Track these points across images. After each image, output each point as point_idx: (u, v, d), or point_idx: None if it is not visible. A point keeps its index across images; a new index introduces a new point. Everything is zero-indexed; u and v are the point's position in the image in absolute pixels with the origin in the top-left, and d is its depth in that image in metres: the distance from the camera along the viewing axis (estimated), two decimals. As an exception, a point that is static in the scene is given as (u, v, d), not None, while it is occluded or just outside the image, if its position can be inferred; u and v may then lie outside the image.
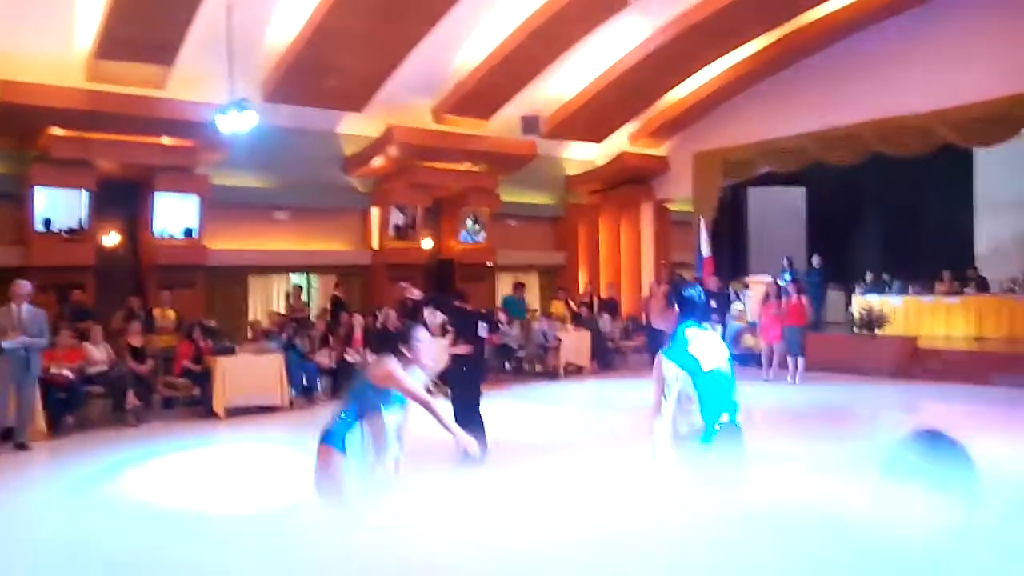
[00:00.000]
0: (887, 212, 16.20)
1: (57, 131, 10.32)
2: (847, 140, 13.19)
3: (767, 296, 11.86)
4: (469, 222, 14.80)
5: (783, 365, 11.60)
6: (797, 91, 13.96)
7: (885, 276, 13.81)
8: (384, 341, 10.46)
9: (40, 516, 5.72)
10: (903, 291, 13.90)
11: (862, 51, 13.03)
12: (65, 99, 10.04)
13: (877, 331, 12.45)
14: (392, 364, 3.80)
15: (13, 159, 10.71)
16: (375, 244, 14.14)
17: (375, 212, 14.11)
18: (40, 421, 8.20)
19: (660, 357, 3.47)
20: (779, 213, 16.27)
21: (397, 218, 14.00)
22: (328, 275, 13.98)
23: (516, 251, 15.92)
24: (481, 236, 14.98)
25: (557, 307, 14.25)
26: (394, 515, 3.73)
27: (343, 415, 3.79)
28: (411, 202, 13.97)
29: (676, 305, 3.56)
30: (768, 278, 13.18)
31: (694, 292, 3.62)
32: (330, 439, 3.75)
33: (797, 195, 16.38)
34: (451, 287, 13.43)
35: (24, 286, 8.15)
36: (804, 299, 11.50)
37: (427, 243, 14.83)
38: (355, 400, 3.85)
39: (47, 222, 10.64)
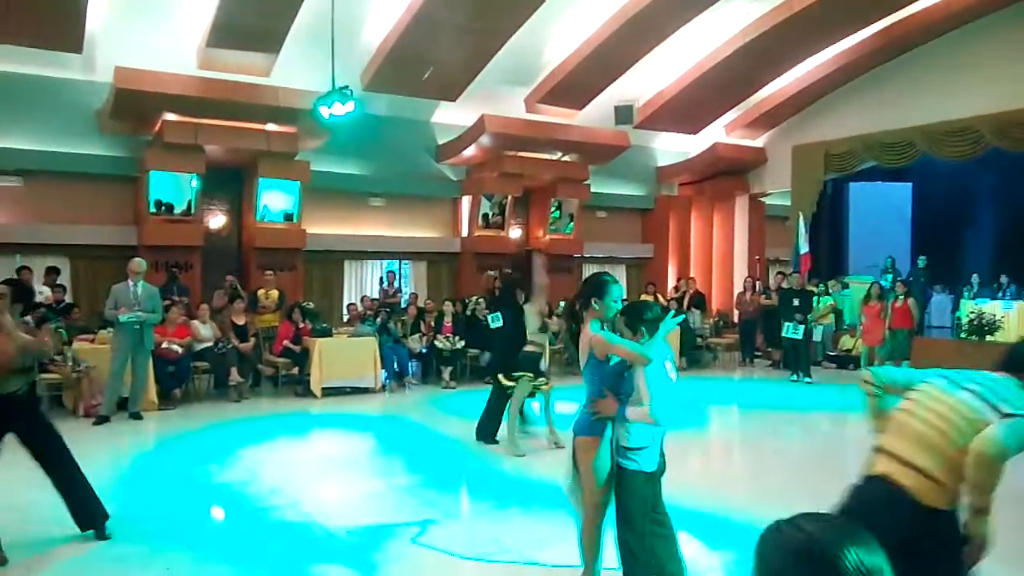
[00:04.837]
0: (1001, 211, 15.26)
1: (171, 117, 10.79)
2: (960, 134, 12.49)
3: (869, 296, 11.38)
4: (556, 214, 14.74)
5: (883, 368, 11.15)
6: (906, 82, 13.31)
7: (1003, 279, 13.01)
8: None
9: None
10: (1018, 296, 13.08)
11: (978, 40, 12.30)
12: (178, 86, 10.48)
13: (988, 337, 11.76)
14: (595, 329, 3.60)
15: (129, 143, 11.27)
16: (464, 232, 14.27)
17: (465, 201, 14.23)
18: (152, 393, 8.65)
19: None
20: (882, 210, 15.57)
21: (487, 207, 14.08)
22: (419, 262, 14.20)
23: (604, 243, 15.79)
24: (569, 227, 14.91)
25: (646, 301, 14.04)
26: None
27: (585, 406, 3.61)
28: (501, 191, 14.02)
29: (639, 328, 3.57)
30: (870, 278, 12.66)
31: (656, 311, 3.66)
32: (588, 430, 3.57)
33: (903, 191, 15.62)
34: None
35: (140, 264, 8.58)
36: (911, 301, 10.99)
37: (515, 232, 14.87)
38: (589, 382, 3.64)
39: (159, 204, 11.16)
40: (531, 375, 6.91)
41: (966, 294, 13.10)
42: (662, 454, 3.59)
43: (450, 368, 10.86)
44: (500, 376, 7.13)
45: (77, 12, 9.33)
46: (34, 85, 10.39)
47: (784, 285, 12.35)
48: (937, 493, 2.53)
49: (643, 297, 14.38)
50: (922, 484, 2.53)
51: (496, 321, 7.54)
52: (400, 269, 13.99)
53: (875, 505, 2.58)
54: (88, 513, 4.61)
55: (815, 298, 12.06)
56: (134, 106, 10.57)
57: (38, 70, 10.31)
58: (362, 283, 13.69)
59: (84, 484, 4.61)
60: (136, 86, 10.18)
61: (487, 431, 7.32)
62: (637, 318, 3.59)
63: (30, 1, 8.92)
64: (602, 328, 3.62)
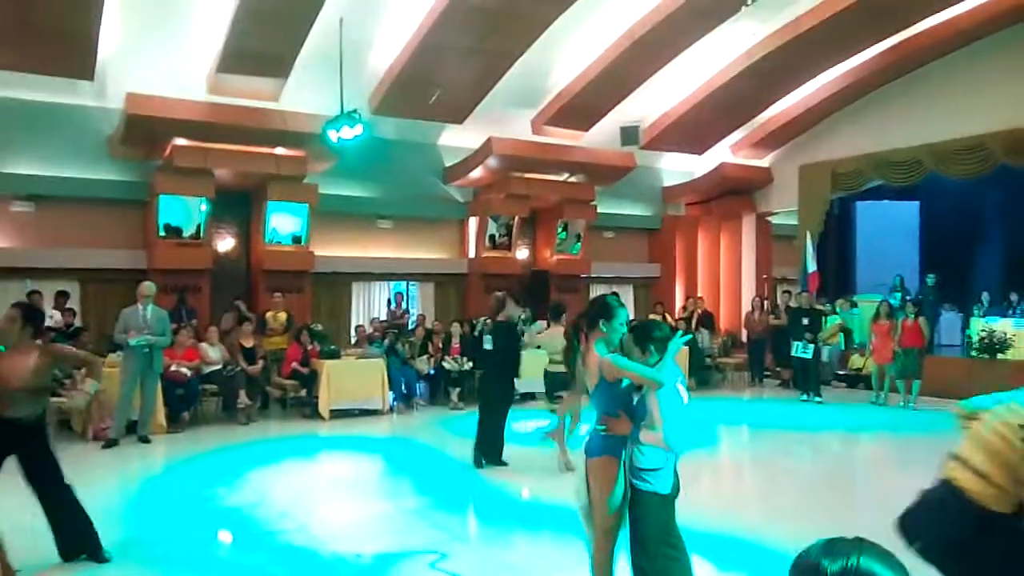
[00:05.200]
0: (1010, 229, 15.19)
1: (180, 142, 10.89)
2: (969, 151, 12.49)
3: (879, 315, 11.33)
4: (563, 235, 14.78)
5: (894, 388, 11.08)
6: (913, 100, 13.33)
7: (1013, 297, 12.93)
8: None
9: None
10: (1029, 314, 12.99)
11: (986, 58, 12.34)
12: (188, 111, 10.58)
13: (999, 355, 11.69)
14: (601, 351, 3.58)
15: (139, 168, 11.36)
16: (471, 253, 14.30)
17: (472, 222, 14.28)
18: (160, 416, 8.66)
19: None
20: (890, 228, 15.52)
21: (493, 228, 14.12)
22: (427, 283, 14.23)
23: (611, 263, 15.79)
24: (576, 248, 14.93)
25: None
26: None
27: (597, 425, 3.59)
28: (508, 212, 14.07)
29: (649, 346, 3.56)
30: (878, 296, 12.61)
31: (664, 330, 3.65)
32: (601, 450, 3.54)
33: (910, 209, 15.59)
34: (546, 298, 13.46)
35: (149, 287, 8.63)
36: (922, 319, 10.94)
37: (522, 253, 14.89)
38: (598, 404, 3.62)
39: (168, 227, 11.24)
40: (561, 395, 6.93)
41: (976, 312, 13.02)
42: (676, 475, 3.56)
43: (458, 389, 10.84)
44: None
45: (89, 40, 9.46)
46: (46, 112, 10.50)
47: (792, 304, 12.31)
48: (999, 498, 2.56)
49: (651, 317, 14.39)
50: (984, 488, 2.58)
51: (487, 343, 7.44)
52: (407, 291, 14.02)
53: (932, 504, 2.68)
54: (76, 542, 4.53)
55: (824, 317, 12.02)
56: (145, 131, 10.67)
57: (50, 97, 10.42)
58: (370, 305, 13.71)
59: (77, 512, 4.54)
60: (147, 112, 10.28)
61: (492, 455, 7.20)
62: (646, 337, 3.59)
63: (43, 29, 9.05)
64: (609, 351, 3.61)
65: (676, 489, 3.56)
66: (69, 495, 4.51)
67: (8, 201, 10.70)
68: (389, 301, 13.30)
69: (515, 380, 7.60)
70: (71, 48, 9.52)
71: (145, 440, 8.22)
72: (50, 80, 10.05)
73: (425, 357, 11.05)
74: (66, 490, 4.51)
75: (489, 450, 7.22)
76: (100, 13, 9.01)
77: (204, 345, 9.45)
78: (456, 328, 11.36)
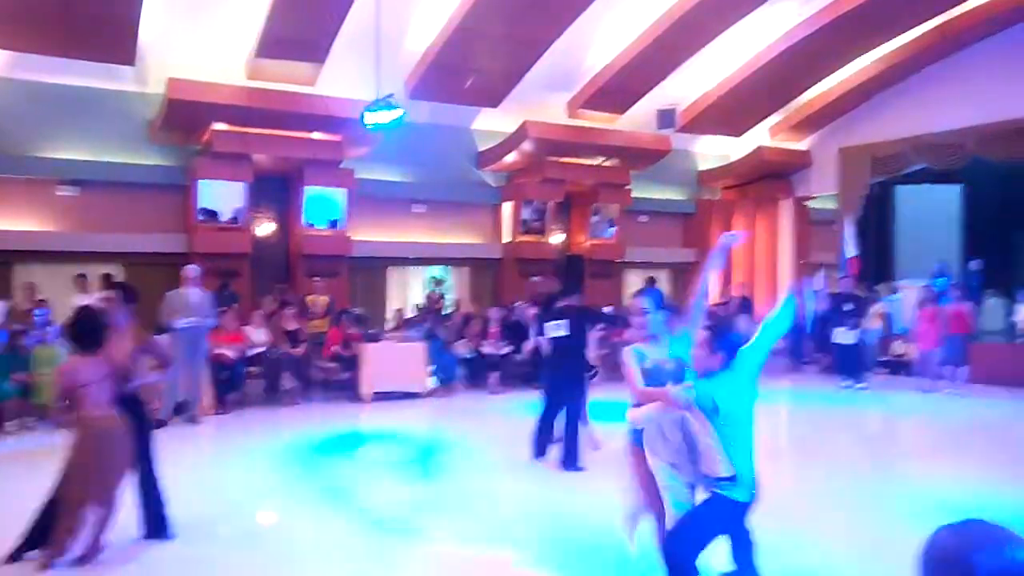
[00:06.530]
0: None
1: (220, 126, 10.95)
2: (1015, 135, 12.20)
3: (922, 301, 11.15)
4: (596, 219, 14.68)
5: (939, 374, 10.90)
6: (956, 82, 13.04)
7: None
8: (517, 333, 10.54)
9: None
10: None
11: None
12: (228, 96, 10.63)
13: (1046, 341, 11.46)
14: (626, 356, 3.66)
15: (179, 153, 11.46)
16: (506, 238, 14.27)
17: (506, 207, 14.23)
18: (207, 398, 8.76)
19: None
20: (931, 212, 15.22)
21: (527, 213, 14.07)
22: (461, 268, 14.23)
23: (645, 248, 15.68)
24: (610, 232, 14.84)
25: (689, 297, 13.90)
26: None
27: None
28: (542, 197, 14.01)
29: (722, 351, 3.38)
30: (921, 282, 12.40)
31: (738, 337, 3.46)
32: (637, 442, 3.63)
33: (952, 193, 15.28)
34: (580, 282, 13.39)
35: (194, 271, 8.71)
36: (968, 305, 10.74)
37: (557, 238, 14.83)
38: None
39: (207, 212, 11.32)
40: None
41: (1021, 298, 12.76)
42: (755, 484, 3.40)
43: (497, 373, 10.84)
44: None
45: (131, 25, 9.54)
46: (89, 97, 10.63)
47: (832, 290, 12.14)
48: None
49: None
50: None
51: (558, 329, 7.07)
52: (442, 276, 14.02)
53: None
54: (152, 519, 4.64)
55: (867, 303, 11.85)
56: (185, 116, 10.75)
57: (93, 83, 10.55)
58: (405, 290, 13.75)
59: (155, 490, 4.64)
60: (187, 96, 10.35)
61: (542, 447, 6.80)
62: (723, 340, 3.41)
63: (86, 16, 9.13)
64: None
65: (753, 497, 3.44)
66: (153, 474, 4.61)
67: (54, 186, 10.84)
68: (426, 285, 13.32)
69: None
70: (113, 34, 9.60)
71: (193, 421, 8.33)
72: (93, 66, 10.16)
73: (463, 341, 11.07)
74: (152, 468, 4.61)
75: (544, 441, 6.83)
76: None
77: (249, 328, 9.54)
78: (494, 312, 11.35)
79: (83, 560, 4.17)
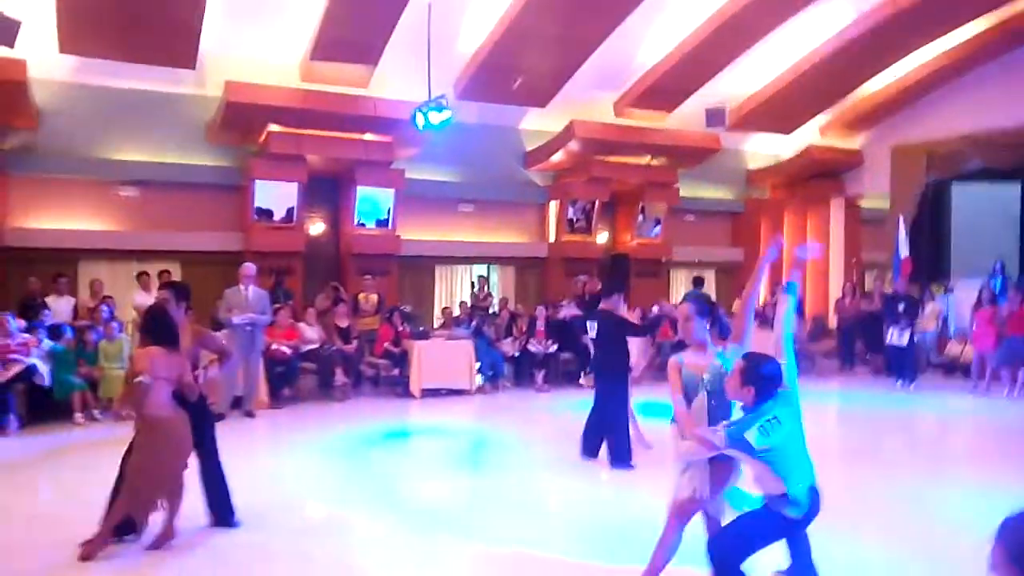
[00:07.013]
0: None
1: (275, 128, 11.23)
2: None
3: (980, 301, 10.90)
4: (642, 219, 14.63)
5: (996, 377, 10.64)
6: (1016, 78, 12.70)
7: None
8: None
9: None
10: None
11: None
12: (283, 98, 10.90)
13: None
14: (671, 368, 3.69)
15: (236, 154, 11.78)
16: (551, 237, 14.33)
17: (552, 206, 14.29)
18: (263, 392, 9.01)
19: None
20: (989, 212, 14.81)
21: (573, 212, 14.10)
22: (507, 267, 14.34)
23: (692, 247, 15.59)
24: (656, 231, 14.78)
25: (739, 305, 13.78)
26: None
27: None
28: (588, 196, 14.03)
29: (752, 384, 3.24)
30: (977, 282, 12.12)
31: (773, 368, 3.26)
32: None
33: (1011, 192, 14.86)
34: (624, 282, 13.37)
35: (251, 268, 8.98)
36: (1029, 306, 10.48)
37: (603, 237, 14.84)
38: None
39: (261, 211, 11.61)
40: None
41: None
42: (814, 500, 3.33)
43: (543, 371, 10.92)
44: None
45: (192, 30, 9.83)
46: (151, 100, 10.97)
47: (886, 290, 11.94)
48: None
49: (736, 301, 14.14)
50: None
51: (594, 330, 7.20)
52: (488, 274, 14.16)
53: None
54: (218, 508, 4.83)
55: (921, 303, 11.63)
56: (242, 118, 11.04)
57: (154, 86, 10.87)
58: (452, 288, 13.91)
59: (220, 480, 4.84)
60: (245, 99, 10.63)
61: (592, 446, 6.80)
62: (754, 374, 3.25)
63: (150, 21, 9.45)
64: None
65: (811, 513, 3.39)
66: (218, 465, 4.81)
67: (116, 187, 11.25)
68: (473, 284, 13.47)
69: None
70: (176, 38, 9.90)
71: (250, 415, 8.58)
72: (154, 70, 10.49)
73: (510, 340, 11.17)
74: (215, 459, 4.80)
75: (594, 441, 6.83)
76: (204, 4, 9.35)
77: (302, 324, 9.78)
78: (541, 311, 11.43)
79: (156, 545, 4.38)
